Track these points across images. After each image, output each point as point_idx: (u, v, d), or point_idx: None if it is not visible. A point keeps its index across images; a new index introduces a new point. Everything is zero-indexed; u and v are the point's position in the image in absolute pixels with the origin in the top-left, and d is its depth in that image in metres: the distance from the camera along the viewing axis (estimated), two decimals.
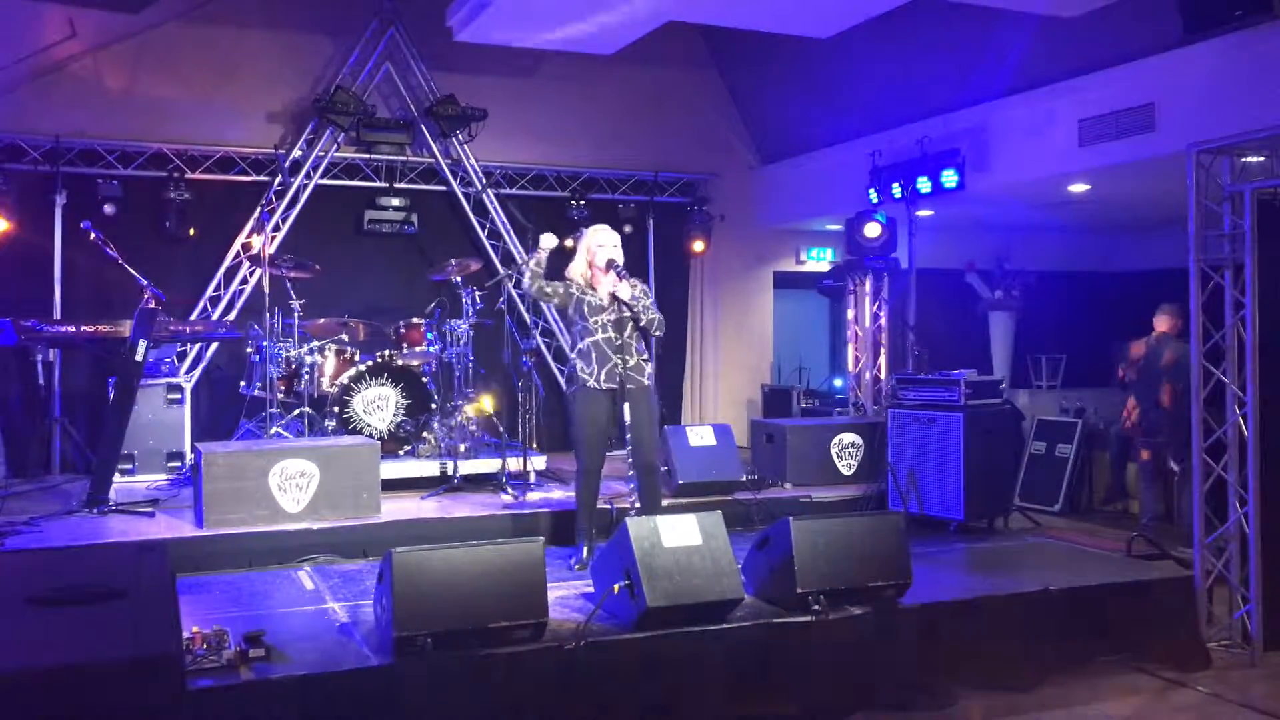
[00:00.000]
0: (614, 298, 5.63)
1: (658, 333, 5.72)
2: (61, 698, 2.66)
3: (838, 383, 11.26)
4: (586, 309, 5.69)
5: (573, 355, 5.83)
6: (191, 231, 8.93)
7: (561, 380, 10.03)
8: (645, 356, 5.74)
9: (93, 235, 7.05)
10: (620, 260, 5.71)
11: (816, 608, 4.66)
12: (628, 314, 5.63)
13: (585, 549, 5.76)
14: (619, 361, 5.62)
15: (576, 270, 5.80)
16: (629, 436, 5.58)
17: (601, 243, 5.72)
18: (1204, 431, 5.47)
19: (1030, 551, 6.47)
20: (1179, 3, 6.61)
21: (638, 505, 5.62)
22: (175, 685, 2.81)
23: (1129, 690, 4.98)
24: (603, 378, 5.64)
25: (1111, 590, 5.42)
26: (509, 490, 7.20)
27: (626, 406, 5.56)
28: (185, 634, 3.95)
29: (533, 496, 7.15)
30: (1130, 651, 5.30)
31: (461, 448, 7.67)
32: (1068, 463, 8.19)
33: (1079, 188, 8.58)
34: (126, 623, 3.09)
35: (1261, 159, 5.34)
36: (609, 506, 6.61)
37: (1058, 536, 6.92)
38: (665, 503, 6.61)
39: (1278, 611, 5.31)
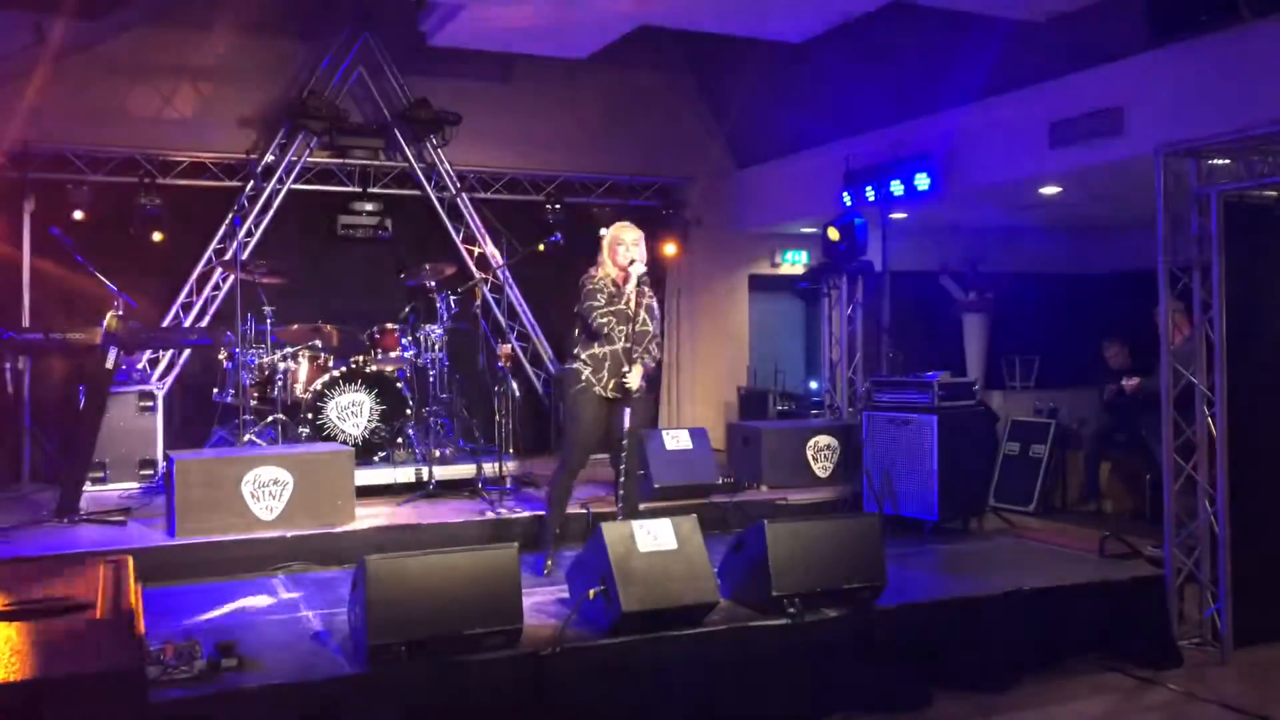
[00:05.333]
0: (639, 306, 5.49)
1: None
2: (21, 712, 2.63)
3: (813, 385, 11.31)
4: (615, 317, 5.51)
5: (583, 355, 5.60)
6: (159, 237, 8.84)
7: (537, 384, 10.06)
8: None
9: (62, 242, 6.99)
10: (641, 258, 5.54)
11: (792, 610, 4.67)
12: (649, 327, 5.55)
13: (550, 554, 5.75)
14: (628, 372, 5.50)
15: (607, 274, 5.57)
16: (625, 442, 5.50)
17: (621, 240, 5.56)
18: (1174, 431, 5.53)
19: (1004, 552, 6.51)
20: (1146, 6, 6.68)
21: (619, 508, 5.59)
22: (137, 700, 2.79)
23: (1101, 689, 5.02)
24: (611, 386, 5.54)
25: (1084, 590, 5.47)
26: (485, 496, 7.18)
27: (627, 412, 5.45)
28: (156, 644, 3.92)
29: (508, 502, 7.13)
30: (1102, 650, 5.35)
31: (436, 453, 7.64)
32: (1041, 463, 8.23)
33: (1050, 190, 8.65)
34: (89, 636, 3.06)
35: (1228, 162, 5.40)
36: (585, 511, 6.61)
37: (1031, 537, 6.97)
38: (641, 506, 6.62)
39: (1247, 609, 5.37)
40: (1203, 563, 5.45)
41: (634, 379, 5.47)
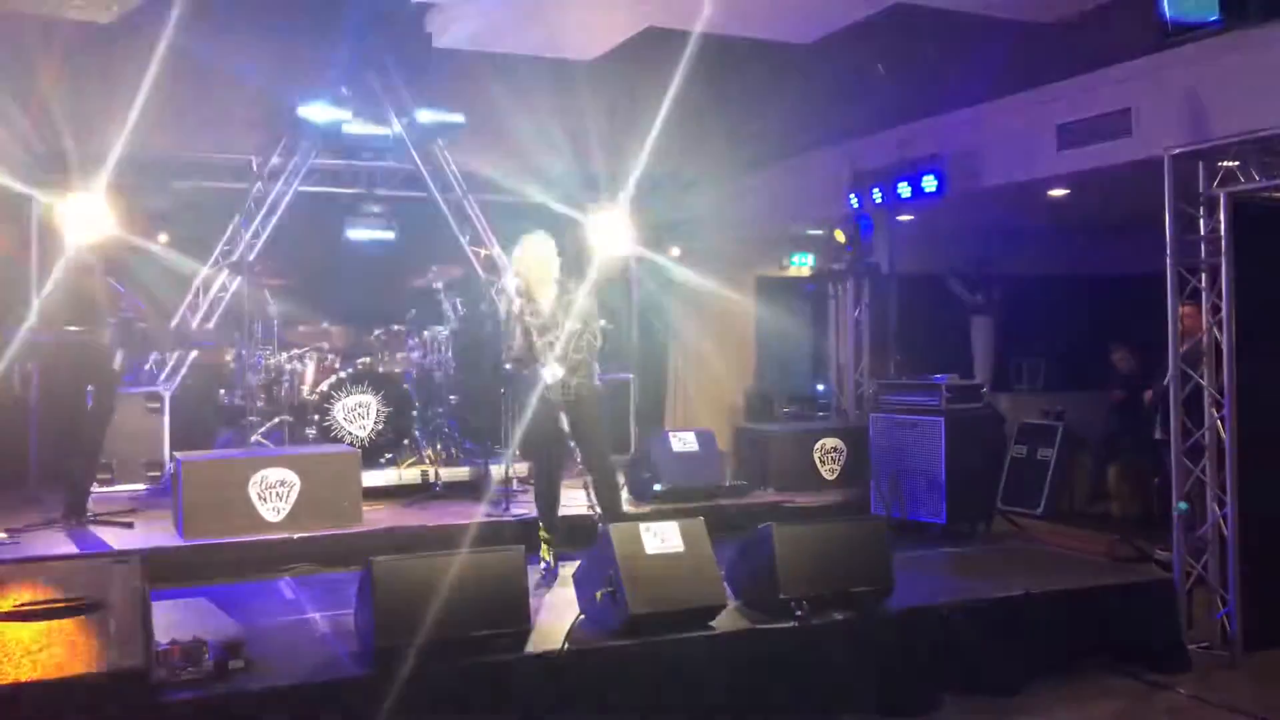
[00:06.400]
0: (556, 307, 5.60)
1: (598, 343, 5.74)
2: (31, 711, 2.64)
3: (820, 387, 11.29)
4: (534, 329, 5.59)
5: (523, 368, 5.73)
6: (165, 239, 8.86)
7: None
8: (589, 359, 5.71)
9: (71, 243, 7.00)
10: (556, 269, 5.67)
11: (799, 613, 4.65)
12: (577, 327, 5.61)
13: (551, 557, 5.74)
14: (567, 373, 5.57)
15: (513, 284, 5.70)
16: (575, 443, 5.53)
17: (536, 255, 5.66)
18: (1182, 434, 5.50)
19: (1012, 555, 6.49)
20: (1155, 8, 6.67)
21: (598, 510, 5.59)
22: (145, 700, 2.80)
23: (1110, 693, 5.00)
24: (555, 391, 5.58)
25: (1093, 593, 5.45)
26: (491, 498, 7.17)
27: (563, 414, 5.49)
28: (163, 645, 3.92)
29: (515, 504, 7.12)
30: (1112, 654, 5.32)
31: (443, 455, 7.64)
32: (1049, 466, 8.22)
33: (1058, 192, 8.62)
34: (97, 636, 3.07)
35: (1237, 163, 5.38)
36: (591, 513, 6.59)
37: (1039, 540, 6.95)
38: (648, 509, 6.61)
39: (1257, 612, 5.35)
40: (1212, 566, 5.43)
41: (549, 374, 5.50)
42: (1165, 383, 6.48)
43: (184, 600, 5.22)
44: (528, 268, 5.67)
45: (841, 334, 9.69)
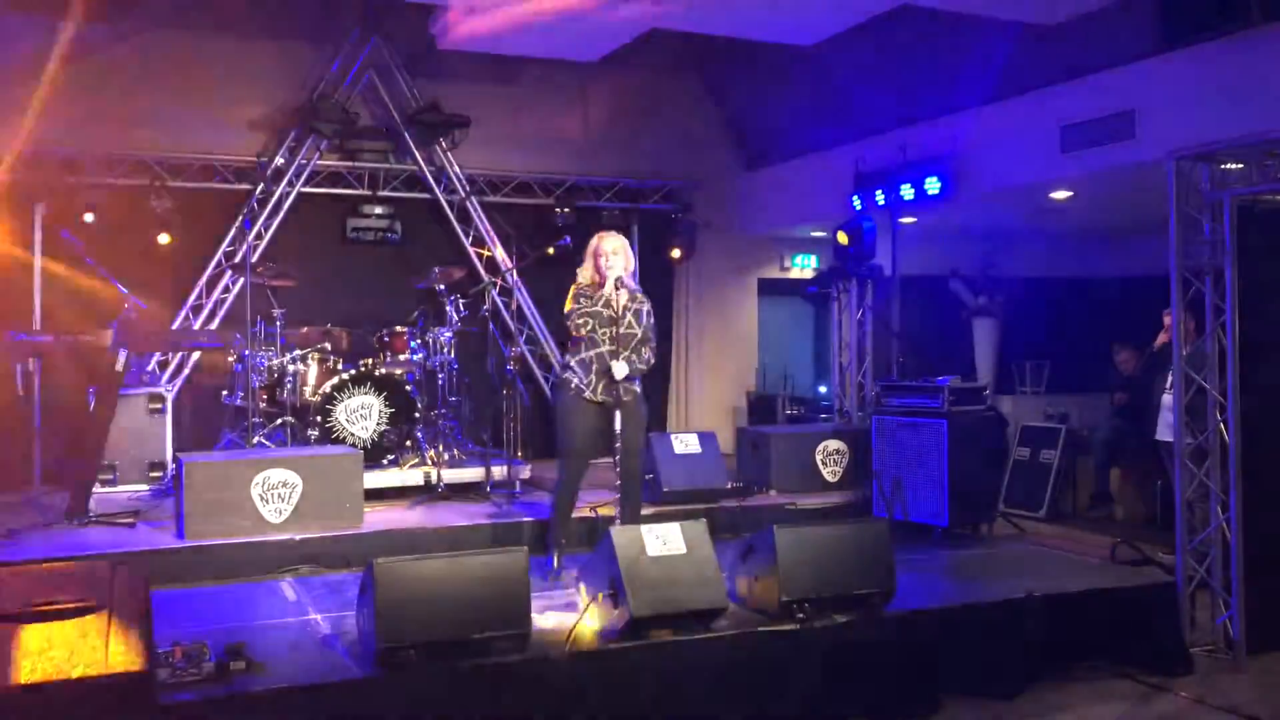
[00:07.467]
0: (624, 310, 5.56)
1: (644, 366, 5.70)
2: (32, 713, 2.64)
3: (822, 389, 11.28)
4: (598, 321, 5.56)
5: (571, 362, 5.67)
6: (169, 239, 8.88)
7: (546, 388, 10.05)
8: (643, 366, 5.71)
9: (73, 244, 7.02)
10: (631, 266, 5.62)
11: (801, 616, 4.65)
12: (635, 330, 5.58)
13: (556, 558, 5.74)
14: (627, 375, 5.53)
15: (591, 281, 5.64)
16: (619, 445, 5.51)
17: (602, 251, 5.60)
18: (1186, 437, 5.49)
19: (1014, 557, 6.48)
20: (1158, 9, 6.66)
21: (618, 514, 5.58)
22: (146, 701, 2.80)
23: (1112, 696, 4.99)
24: (600, 389, 5.57)
25: (1095, 596, 5.44)
26: (493, 499, 7.17)
27: (618, 415, 5.48)
28: (165, 647, 3.92)
29: (517, 505, 7.13)
30: (1114, 657, 5.31)
31: (445, 456, 7.64)
32: (1052, 468, 8.21)
33: (1061, 194, 8.62)
34: (98, 638, 3.07)
35: (1241, 166, 5.37)
36: (592, 514, 6.60)
37: (1042, 542, 6.94)
38: (650, 511, 6.60)
39: (1259, 616, 5.33)
40: (1215, 569, 5.42)
41: (619, 369, 5.46)
42: (1168, 386, 6.49)
43: (185, 601, 5.23)
44: (608, 263, 5.55)
45: (844, 336, 9.68)
